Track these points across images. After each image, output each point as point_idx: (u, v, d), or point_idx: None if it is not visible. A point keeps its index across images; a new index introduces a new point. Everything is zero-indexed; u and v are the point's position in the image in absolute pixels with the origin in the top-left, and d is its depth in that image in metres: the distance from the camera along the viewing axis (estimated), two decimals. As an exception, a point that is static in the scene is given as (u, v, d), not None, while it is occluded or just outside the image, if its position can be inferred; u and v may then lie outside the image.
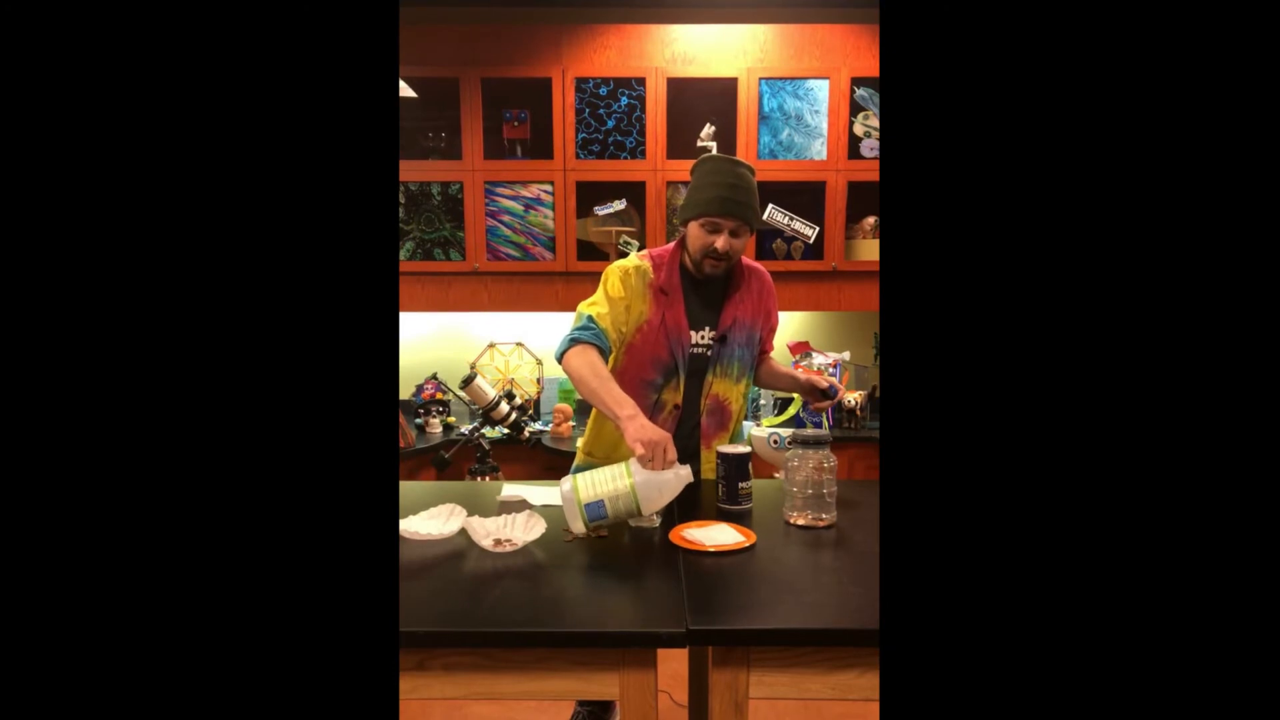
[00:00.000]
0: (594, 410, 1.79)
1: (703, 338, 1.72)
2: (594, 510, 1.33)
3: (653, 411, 1.70)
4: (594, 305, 1.67)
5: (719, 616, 1.05)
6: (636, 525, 1.44)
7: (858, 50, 2.84)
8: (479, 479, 2.60)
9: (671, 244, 1.76)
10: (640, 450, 1.35)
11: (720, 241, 1.61)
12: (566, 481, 1.36)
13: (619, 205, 2.94)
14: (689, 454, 1.73)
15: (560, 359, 1.60)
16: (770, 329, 1.85)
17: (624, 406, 1.44)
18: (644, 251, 1.76)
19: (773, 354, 1.93)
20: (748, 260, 1.79)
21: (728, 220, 1.60)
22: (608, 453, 1.77)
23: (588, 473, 1.38)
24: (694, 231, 1.64)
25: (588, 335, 1.60)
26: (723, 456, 1.54)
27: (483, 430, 2.62)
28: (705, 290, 1.72)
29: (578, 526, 1.34)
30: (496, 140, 2.94)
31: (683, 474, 1.37)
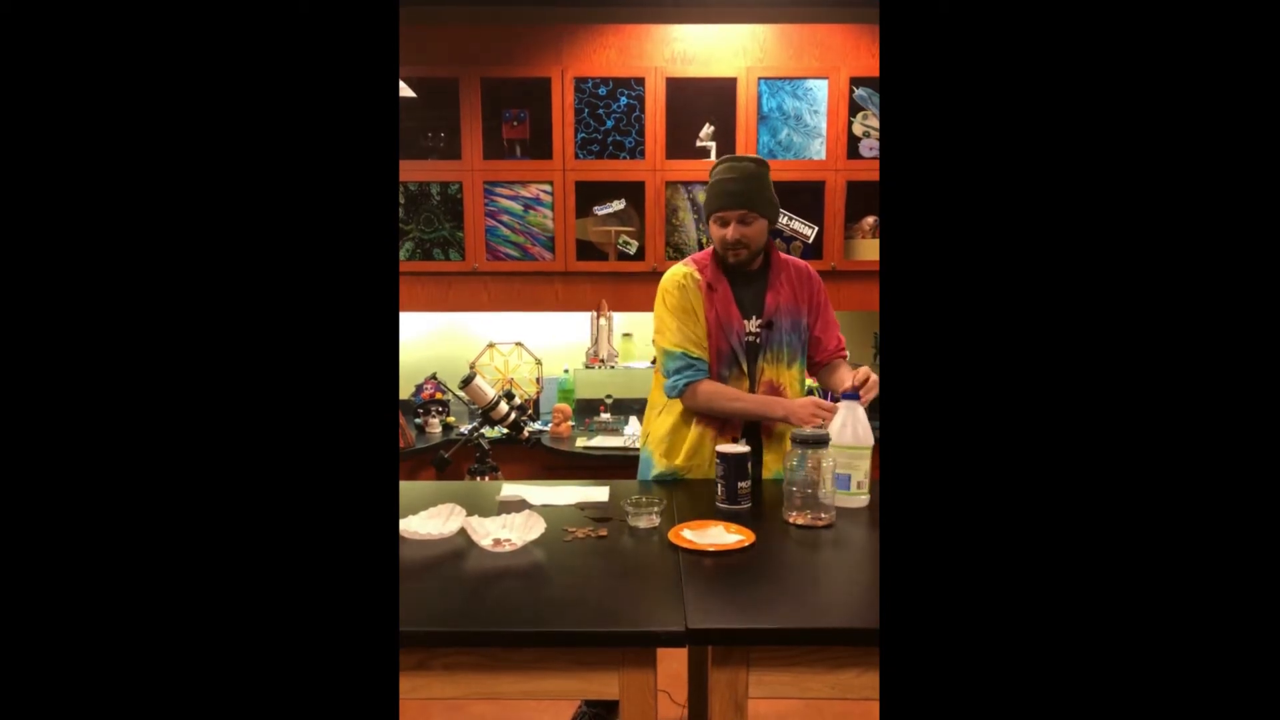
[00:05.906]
0: (667, 422, 1.85)
1: (752, 325, 1.81)
2: (842, 482, 1.55)
3: None
4: (674, 339, 1.77)
5: (719, 616, 1.05)
6: (634, 525, 1.44)
7: (857, 50, 2.84)
8: (479, 479, 2.60)
9: (709, 247, 1.87)
10: (815, 420, 1.62)
11: (730, 232, 1.74)
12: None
13: (618, 205, 2.94)
14: (752, 445, 1.73)
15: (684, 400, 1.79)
16: (823, 324, 1.89)
17: (773, 409, 1.71)
18: (686, 259, 1.87)
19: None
20: (785, 255, 1.89)
21: (731, 211, 1.73)
22: (688, 459, 1.81)
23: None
24: (712, 228, 1.80)
25: (690, 375, 1.75)
26: (722, 456, 1.54)
27: (482, 430, 2.62)
28: (746, 282, 1.82)
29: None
30: (496, 140, 2.94)
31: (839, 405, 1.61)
